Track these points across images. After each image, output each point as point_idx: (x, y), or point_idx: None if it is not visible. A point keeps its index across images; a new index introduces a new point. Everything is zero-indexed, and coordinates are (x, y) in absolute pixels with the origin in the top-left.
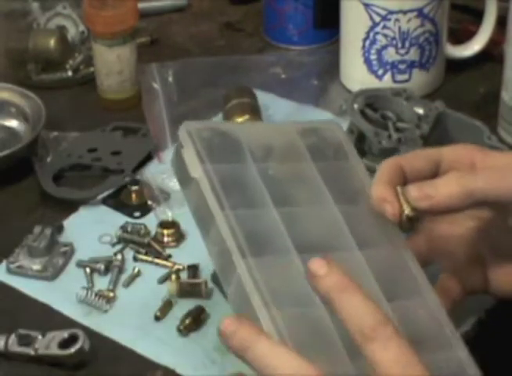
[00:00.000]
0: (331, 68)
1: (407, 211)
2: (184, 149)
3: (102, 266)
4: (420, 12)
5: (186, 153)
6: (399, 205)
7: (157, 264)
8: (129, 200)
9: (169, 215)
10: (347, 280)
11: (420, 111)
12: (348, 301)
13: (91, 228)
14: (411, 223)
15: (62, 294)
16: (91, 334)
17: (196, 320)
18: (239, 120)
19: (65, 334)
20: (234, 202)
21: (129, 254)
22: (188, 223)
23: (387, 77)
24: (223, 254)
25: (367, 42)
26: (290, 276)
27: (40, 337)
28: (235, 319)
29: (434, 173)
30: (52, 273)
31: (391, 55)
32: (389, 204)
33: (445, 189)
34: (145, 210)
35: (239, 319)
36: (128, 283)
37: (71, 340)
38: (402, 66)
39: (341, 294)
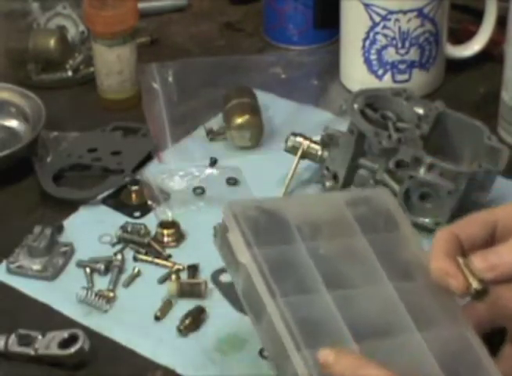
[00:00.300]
0: (331, 68)
1: (474, 284)
2: (229, 233)
3: (102, 266)
4: (420, 12)
5: (232, 237)
6: (464, 278)
7: (157, 264)
8: (129, 200)
9: (169, 215)
10: (357, 358)
11: (420, 111)
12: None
13: (92, 228)
14: (480, 296)
15: (62, 294)
16: (91, 334)
17: (195, 320)
18: (239, 120)
19: (65, 334)
20: (285, 288)
21: (129, 254)
22: (188, 223)
23: (387, 77)
24: (276, 344)
25: (367, 42)
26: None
27: (40, 337)
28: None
29: (491, 237)
30: (52, 273)
31: (391, 55)
32: (453, 278)
33: (510, 257)
34: (145, 210)
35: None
36: (127, 283)
37: (71, 340)
38: (401, 66)
39: (356, 372)
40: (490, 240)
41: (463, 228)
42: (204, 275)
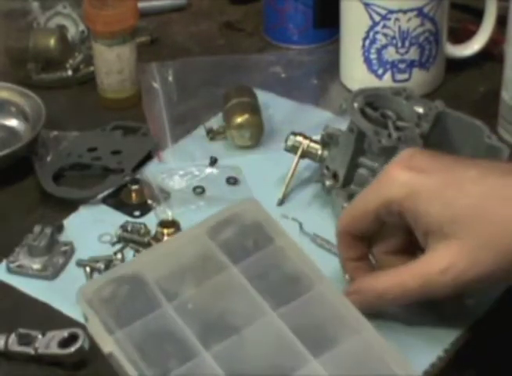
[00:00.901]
0: (331, 67)
1: None
2: (89, 323)
3: (102, 265)
4: (419, 12)
5: (92, 328)
6: None
7: None
8: (129, 199)
9: (169, 215)
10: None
11: (420, 110)
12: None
13: (91, 227)
14: None
15: (62, 293)
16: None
17: None
18: (239, 119)
19: (65, 334)
20: (160, 367)
21: (129, 253)
22: (188, 222)
23: (387, 76)
24: None
25: (367, 42)
26: None
27: (40, 336)
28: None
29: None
30: (52, 273)
31: (390, 54)
32: None
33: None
34: (145, 209)
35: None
36: None
37: (71, 339)
38: (401, 66)
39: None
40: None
41: (352, 226)
42: None
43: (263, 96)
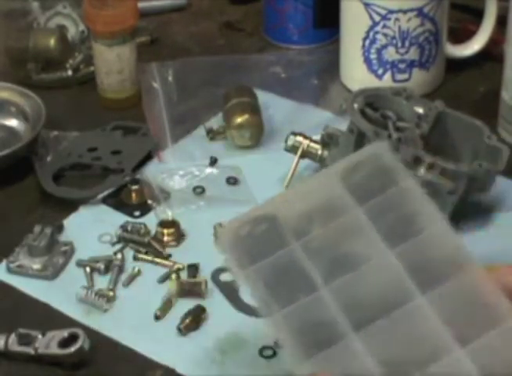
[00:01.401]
0: (331, 67)
1: None
2: (225, 258)
3: (102, 266)
4: (419, 12)
5: (227, 261)
6: None
7: (157, 263)
8: (129, 199)
9: (169, 215)
10: None
11: (420, 111)
12: None
13: (92, 227)
14: None
15: (62, 293)
16: (91, 333)
17: (195, 320)
18: (239, 119)
19: (65, 334)
20: (282, 300)
21: (129, 253)
22: (188, 222)
23: (387, 76)
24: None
25: (367, 42)
26: (351, 365)
27: (40, 336)
28: None
29: None
30: (52, 273)
31: (390, 54)
32: None
33: None
34: (145, 209)
35: None
36: (127, 283)
37: (71, 339)
38: (401, 66)
39: None
40: None
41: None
42: (204, 274)
43: (263, 96)
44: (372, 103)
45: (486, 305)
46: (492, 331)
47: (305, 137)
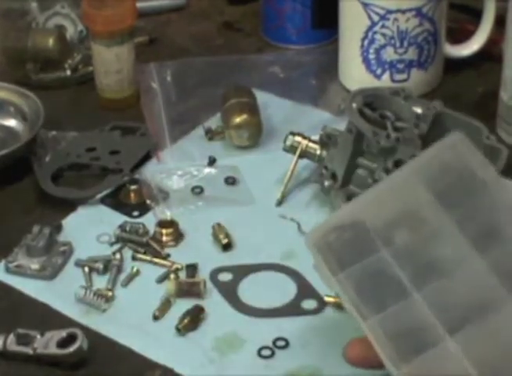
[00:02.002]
0: (330, 68)
1: None
2: (315, 263)
3: (100, 266)
4: (418, 12)
5: (318, 268)
6: None
7: (156, 263)
8: (128, 199)
9: (168, 215)
10: None
11: (419, 111)
12: None
13: (90, 227)
14: None
15: (60, 293)
16: (89, 333)
17: (194, 320)
18: (238, 119)
19: (63, 334)
20: (374, 306)
21: (128, 253)
22: (186, 222)
23: (386, 76)
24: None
25: (366, 42)
26: (449, 368)
27: (38, 336)
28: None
29: None
30: (50, 273)
31: (389, 54)
32: None
33: None
34: (143, 209)
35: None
36: (126, 283)
37: (70, 339)
38: (400, 66)
39: None
40: None
41: None
42: (203, 274)
43: (262, 96)
44: (370, 103)
45: None
46: None
47: (304, 137)
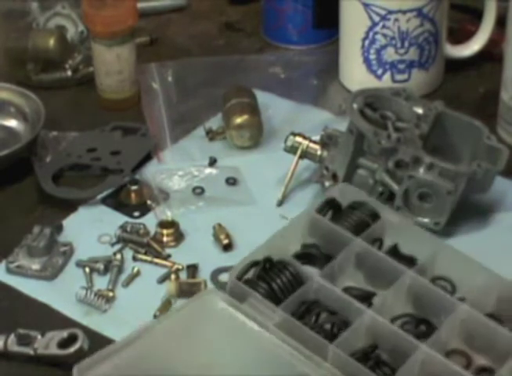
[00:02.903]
0: (330, 68)
1: None
2: None
3: (101, 266)
4: (419, 12)
5: None
6: None
7: (157, 264)
8: (128, 199)
9: (168, 215)
10: None
11: (420, 111)
12: None
13: (91, 228)
14: None
15: (61, 293)
16: (90, 333)
17: None
18: (239, 120)
19: (64, 334)
20: None
21: (128, 253)
22: (187, 223)
23: (387, 76)
24: None
25: (366, 42)
26: None
27: (39, 336)
28: None
29: None
30: (51, 273)
31: (390, 54)
32: None
33: None
34: (144, 210)
35: None
36: (127, 283)
37: (70, 340)
38: (401, 66)
39: None
40: None
41: None
42: (203, 275)
43: (262, 97)
44: (371, 104)
45: None
46: None
47: (305, 137)
